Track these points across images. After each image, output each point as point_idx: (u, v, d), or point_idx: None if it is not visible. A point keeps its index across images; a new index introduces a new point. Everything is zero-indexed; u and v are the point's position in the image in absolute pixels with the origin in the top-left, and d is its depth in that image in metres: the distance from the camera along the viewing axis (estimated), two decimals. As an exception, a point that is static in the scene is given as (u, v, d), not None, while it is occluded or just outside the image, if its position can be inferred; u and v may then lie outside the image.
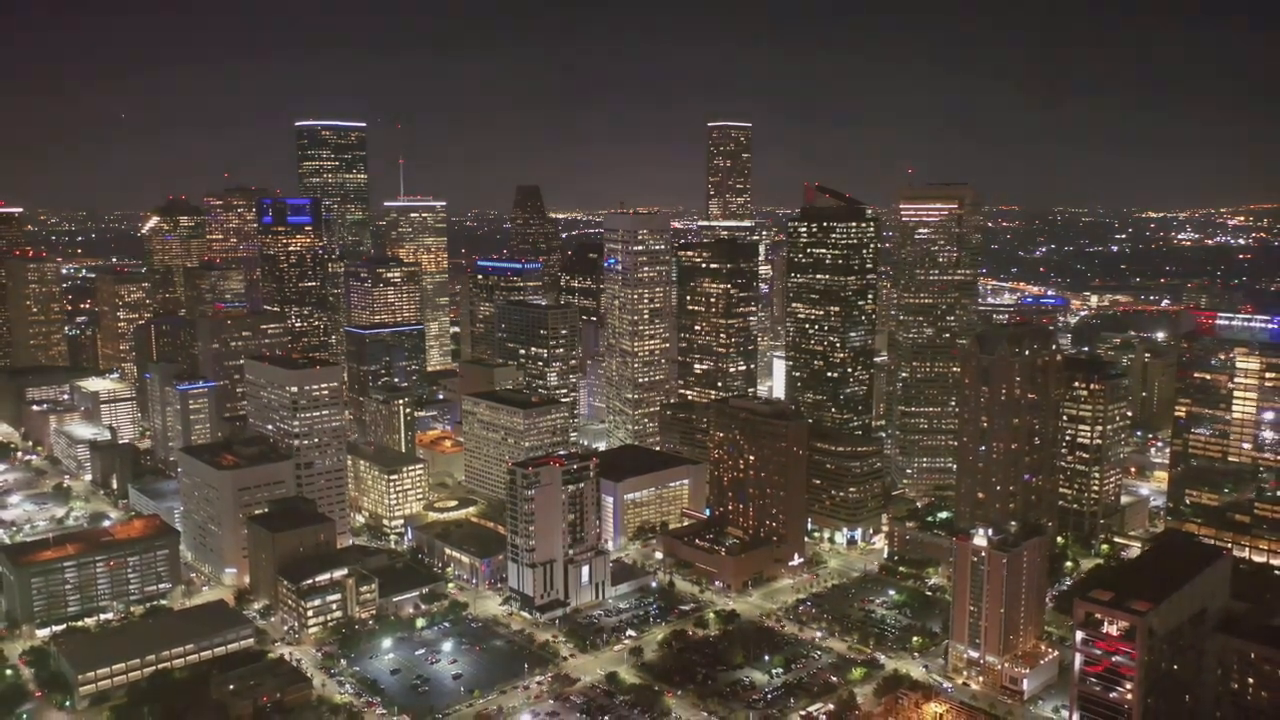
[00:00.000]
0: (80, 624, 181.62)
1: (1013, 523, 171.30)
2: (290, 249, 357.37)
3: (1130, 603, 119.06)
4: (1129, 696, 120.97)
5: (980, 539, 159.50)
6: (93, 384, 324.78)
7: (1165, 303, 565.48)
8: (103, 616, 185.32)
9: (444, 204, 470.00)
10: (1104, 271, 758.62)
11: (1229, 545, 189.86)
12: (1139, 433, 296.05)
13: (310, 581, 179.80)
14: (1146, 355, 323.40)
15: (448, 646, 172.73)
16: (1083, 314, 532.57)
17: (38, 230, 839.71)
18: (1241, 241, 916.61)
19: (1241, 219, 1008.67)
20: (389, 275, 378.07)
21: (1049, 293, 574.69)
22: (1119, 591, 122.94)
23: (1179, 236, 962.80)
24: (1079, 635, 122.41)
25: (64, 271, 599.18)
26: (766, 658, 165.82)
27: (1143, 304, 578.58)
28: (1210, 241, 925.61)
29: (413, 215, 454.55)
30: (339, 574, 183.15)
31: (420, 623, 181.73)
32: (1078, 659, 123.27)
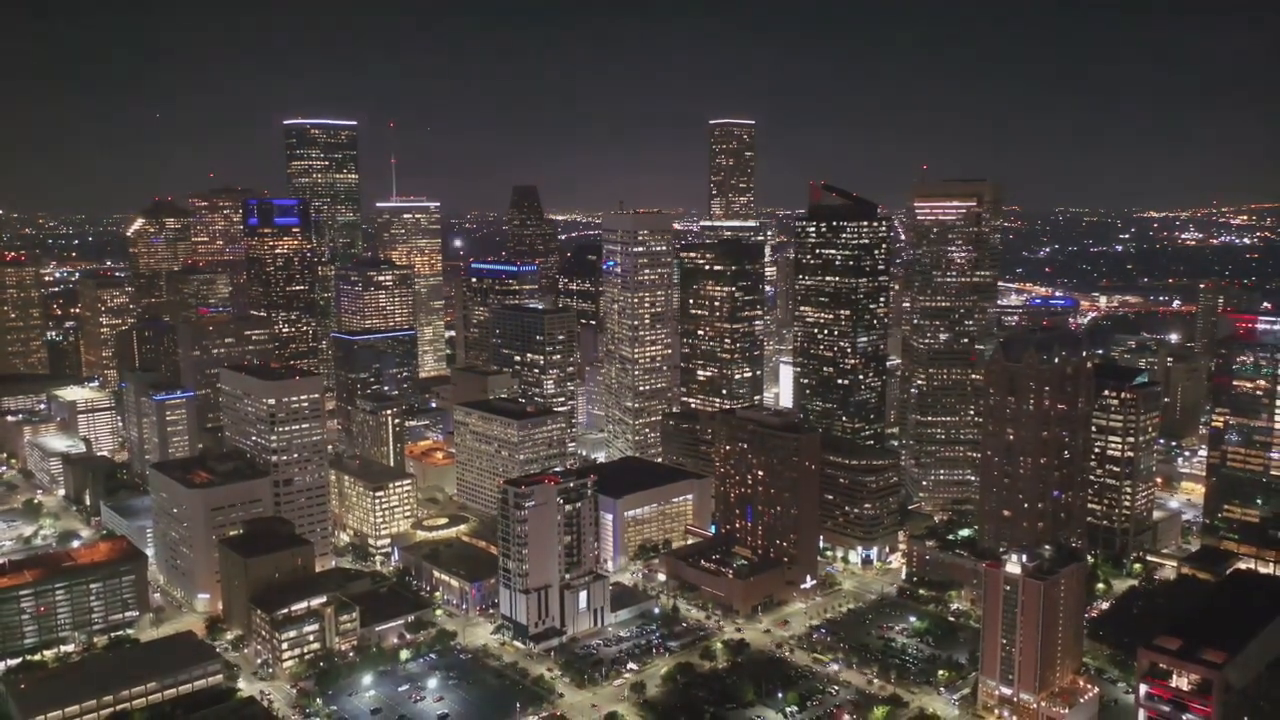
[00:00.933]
0: (37, 657, 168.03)
1: (1046, 546, 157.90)
2: (277, 251, 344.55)
3: (1202, 652, 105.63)
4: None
5: (1013, 565, 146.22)
6: (70, 393, 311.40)
7: (1176, 303, 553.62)
8: (63, 649, 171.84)
9: (438, 205, 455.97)
10: (1110, 272, 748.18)
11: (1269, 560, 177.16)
12: (1160, 440, 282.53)
13: (286, 611, 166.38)
14: (1169, 359, 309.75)
15: (433, 682, 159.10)
16: (1093, 315, 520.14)
17: (34, 233, 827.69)
18: (1246, 241, 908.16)
19: (1244, 218, 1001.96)
20: (380, 278, 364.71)
21: (1057, 294, 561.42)
22: (1186, 637, 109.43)
23: (1182, 236, 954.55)
24: (1143, 688, 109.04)
25: (57, 275, 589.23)
26: (780, 694, 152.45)
27: (1153, 305, 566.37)
28: (1215, 241, 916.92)
29: (405, 216, 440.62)
30: (317, 602, 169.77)
31: (405, 654, 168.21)
32: (1141, 715, 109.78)
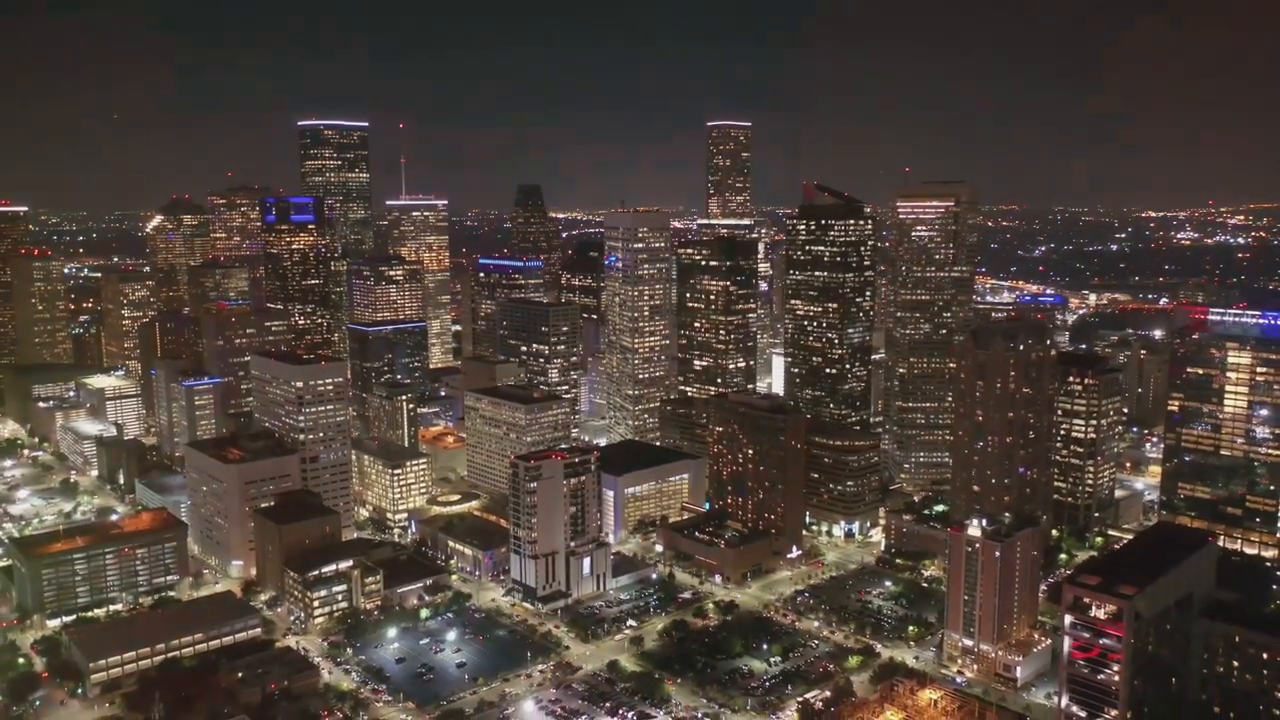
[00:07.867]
0: (90, 614, 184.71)
1: (1006, 514, 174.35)
2: (294, 247, 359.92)
3: (1117, 587, 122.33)
4: (1116, 679, 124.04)
5: (974, 529, 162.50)
6: (98, 381, 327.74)
7: (1163, 301, 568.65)
8: (112, 607, 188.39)
9: (445, 203, 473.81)
10: (1103, 270, 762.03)
11: (1218, 535, 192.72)
12: (1134, 428, 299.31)
13: (316, 573, 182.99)
14: (1142, 351, 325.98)
15: (451, 636, 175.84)
16: (1081, 312, 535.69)
17: (39, 229, 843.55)
18: (1241, 241, 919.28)
19: (1241, 218, 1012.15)
20: (391, 273, 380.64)
21: (1048, 291, 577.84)
22: (1107, 577, 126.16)
23: (1179, 236, 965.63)
24: (1067, 619, 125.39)
25: (65, 271, 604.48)
26: (765, 646, 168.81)
27: (1141, 302, 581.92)
28: (1210, 241, 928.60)
29: (414, 214, 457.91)
30: (344, 565, 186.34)
31: (424, 613, 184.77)
32: (1066, 642, 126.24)
